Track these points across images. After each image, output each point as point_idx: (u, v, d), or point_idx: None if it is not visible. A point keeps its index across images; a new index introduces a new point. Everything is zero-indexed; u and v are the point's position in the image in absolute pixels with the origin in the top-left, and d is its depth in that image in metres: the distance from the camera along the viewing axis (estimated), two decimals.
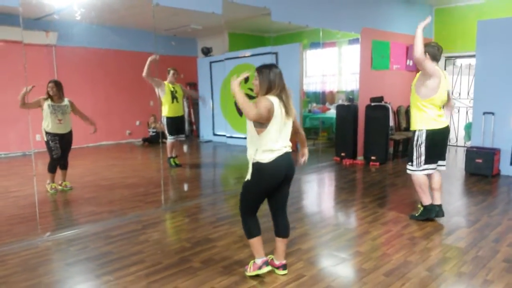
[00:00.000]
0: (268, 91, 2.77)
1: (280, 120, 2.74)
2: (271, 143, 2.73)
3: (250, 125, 2.79)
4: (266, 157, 2.73)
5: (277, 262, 3.00)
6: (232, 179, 6.79)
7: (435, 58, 3.92)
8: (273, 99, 2.72)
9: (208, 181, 6.76)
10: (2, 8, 3.98)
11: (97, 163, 7.36)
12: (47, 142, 5.18)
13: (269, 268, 2.96)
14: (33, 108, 4.98)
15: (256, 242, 2.91)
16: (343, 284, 2.88)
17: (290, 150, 2.86)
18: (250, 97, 2.79)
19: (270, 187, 2.82)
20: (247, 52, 8.93)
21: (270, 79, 2.75)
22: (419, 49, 3.71)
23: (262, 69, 2.79)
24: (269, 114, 2.69)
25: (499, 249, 3.40)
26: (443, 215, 4.11)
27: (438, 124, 3.96)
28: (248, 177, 2.79)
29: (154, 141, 8.94)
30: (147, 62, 6.05)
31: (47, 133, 5.15)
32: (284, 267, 3.00)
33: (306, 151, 3.16)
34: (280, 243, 2.97)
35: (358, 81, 7.61)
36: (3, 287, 2.86)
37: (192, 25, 8.42)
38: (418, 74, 4.02)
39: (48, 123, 5.12)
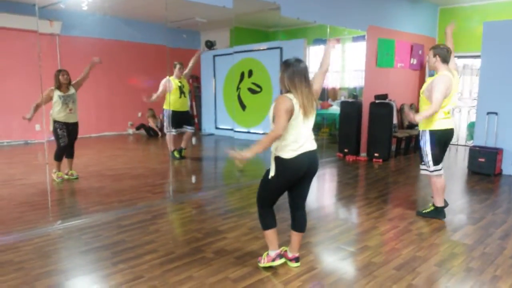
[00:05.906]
0: (284, 88, 2.75)
1: (299, 119, 2.69)
2: (290, 141, 2.71)
3: (270, 120, 2.76)
4: (287, 154, 2.72)
5: (290, 255, 3.04)
6: (236, 172, 6.82)
7: (445, 60, 3.97)
8: (293, 98, 2.67)
9: (212, 174, 6.79)
10: None
11: (101, 154, 7.36)
12: (54, 130, 5.20)
13: (282, 260, 3.00)
14: (47, 102, 5.03)
15: (271, 234, 2.95)
16: (354, 276, 2.94)
17: (314, 148, 2.84)
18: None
19: (291, 182, 2.82)
20: (256, 46, 8.94)
21: (286, 77, 2.71)
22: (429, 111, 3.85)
23: (282, 65, 2.75)
24: (291, 113, 2.65)
25: (505, 246, 3.47)
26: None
27: (442, 125, 4.00)
28: (272, 172, 2.77)
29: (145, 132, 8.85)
30: (153, 98, 6.36)
31: (55, 121, 5.16)
32: (297, 259, 3.04)
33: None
34: (296, 236, 3.00)
35: (362, 78, 7.65)
36: (19, 273, 2.88)
37: (197, 18, 8.39)
38: (428, 80, 4.05)
39: (59, 112, 5.14)
